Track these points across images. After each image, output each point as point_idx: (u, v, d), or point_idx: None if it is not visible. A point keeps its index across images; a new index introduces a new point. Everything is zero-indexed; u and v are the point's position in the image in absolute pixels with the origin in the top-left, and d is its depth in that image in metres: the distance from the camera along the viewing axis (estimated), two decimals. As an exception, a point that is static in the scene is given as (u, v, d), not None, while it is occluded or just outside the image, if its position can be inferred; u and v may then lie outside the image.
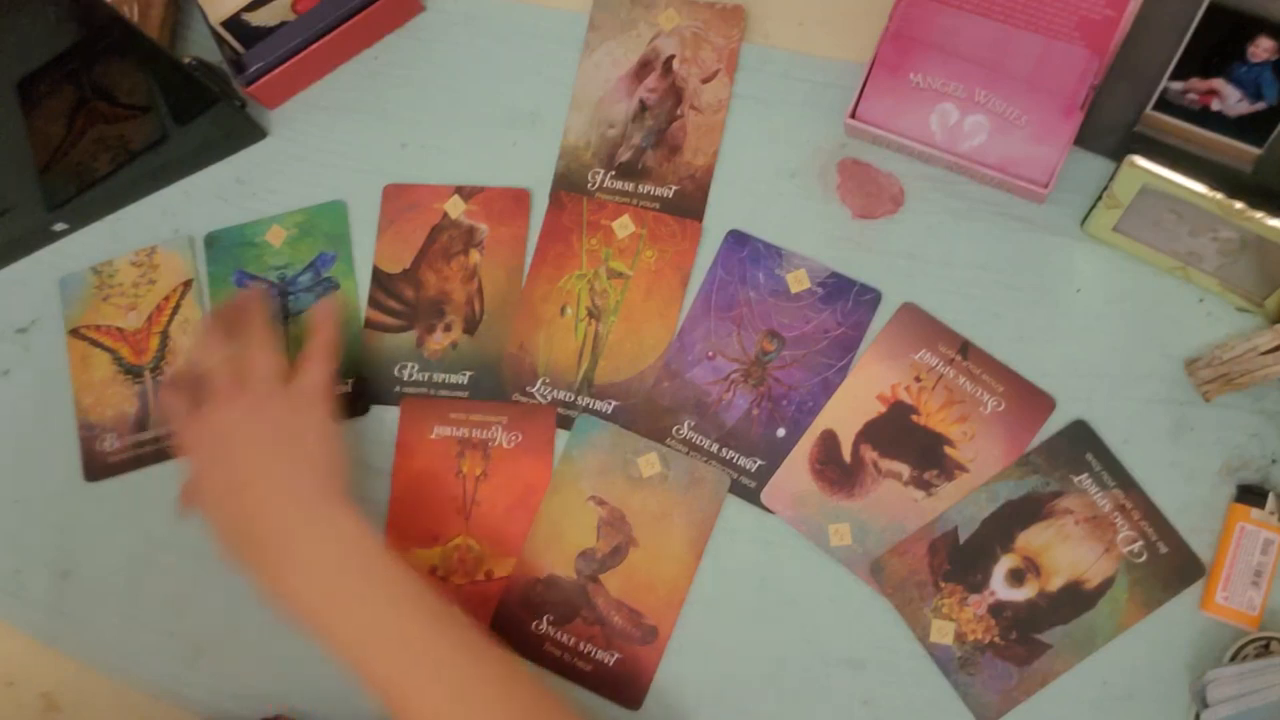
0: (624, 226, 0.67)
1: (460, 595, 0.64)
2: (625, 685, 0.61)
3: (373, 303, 0.68)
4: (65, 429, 0.70)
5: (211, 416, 0.60)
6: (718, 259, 0.66)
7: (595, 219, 0.67)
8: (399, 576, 0.56)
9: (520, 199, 0.68)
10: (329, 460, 0.60)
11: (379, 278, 0.69)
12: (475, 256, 0.68)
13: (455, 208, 0.69)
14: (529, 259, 0.68)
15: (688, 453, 0.63)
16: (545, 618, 0.63)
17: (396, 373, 0.67)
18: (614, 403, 0.65)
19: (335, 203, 0.70)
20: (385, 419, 0.67)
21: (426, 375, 0.67)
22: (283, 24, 0.69)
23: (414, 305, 0.68)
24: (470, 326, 0.67)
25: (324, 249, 0.70)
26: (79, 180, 0.70)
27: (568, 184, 0.68)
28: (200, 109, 0.69)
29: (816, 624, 0.61)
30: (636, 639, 0.62)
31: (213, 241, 0.71)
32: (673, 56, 0.69)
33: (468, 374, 0.66)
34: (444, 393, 0.67)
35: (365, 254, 0.70)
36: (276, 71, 0.69)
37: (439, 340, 0.67)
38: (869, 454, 0.62)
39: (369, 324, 0.68)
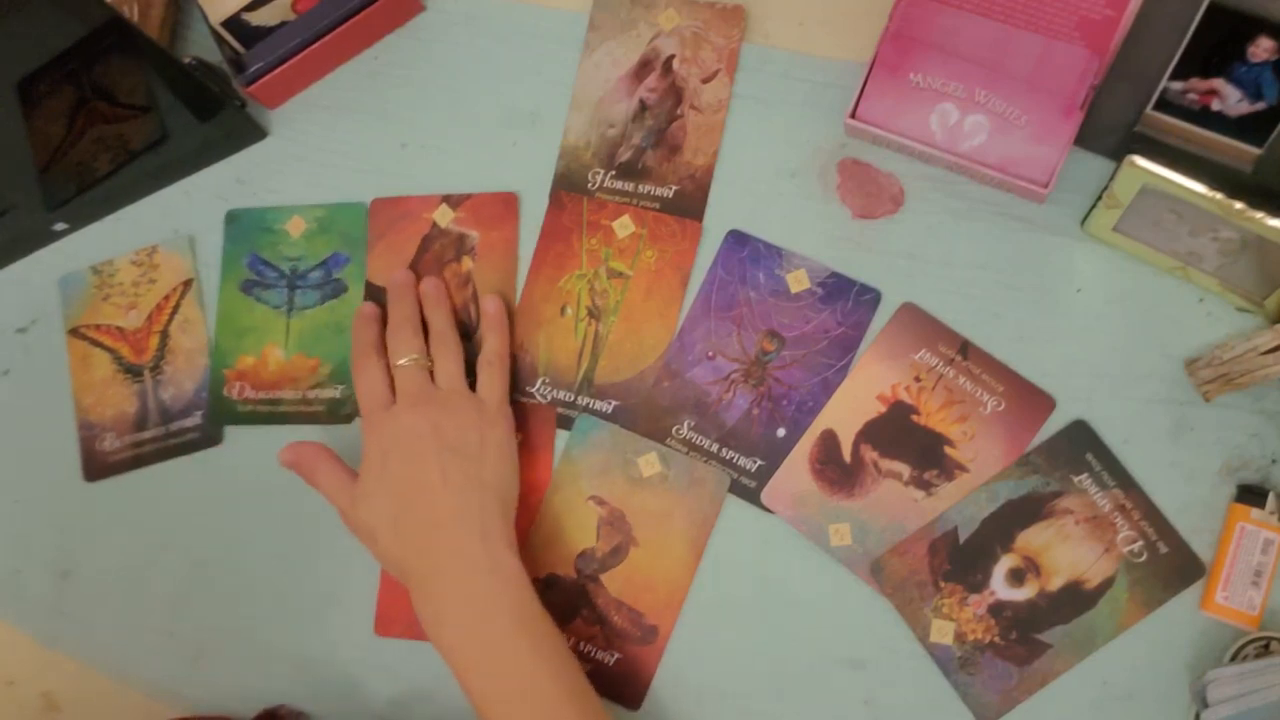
0: (624, 226, 0.67)
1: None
2: (625, 685, 0.61)
3: None
4: (65, 429, 0.70)
5: (402, 418, 0.60)
6: (718, 259, 0.66)
7: (595, 219, 0.67)
8: (545, 631, 0.56)
9: (509, 203, 0.68)
10: (502, 484, 0.60)
11: (373, 291, 0.68)
12: (468, 263, 0.68)
13: (444, 216, 0.69)
14: (522, 262, 0.68)
15: (688, 453, 0.63)
16: (545, 618, 0.63)
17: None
18: (614, 403, 0.65)
19: (356, 204, 0.70)
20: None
21: (427, 381, 0.67)
22: (283, 24, 0.69)
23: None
24: (467, 333, 0.67)
25: (339, 249, 0.70)
26: (79, 180, 0.70)
27: (568, 184, 0.68)
28: (200, 109, 0.69)
29: (816, 624, 0.61)
30: (636, 639, 0.62)
31: (233, 219, 0.71)
32: (673, 56, 0.69)
33: (468, 379, 0.66)
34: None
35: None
36: (276, 71, 0.69)
37: (437, 347, 0.67)
38: (869, 454, 0.62)
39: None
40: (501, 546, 0.58)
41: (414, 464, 0.59)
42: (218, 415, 0.68)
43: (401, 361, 0.62)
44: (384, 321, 0.65)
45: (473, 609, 0.56)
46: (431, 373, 0.63)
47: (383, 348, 0.64)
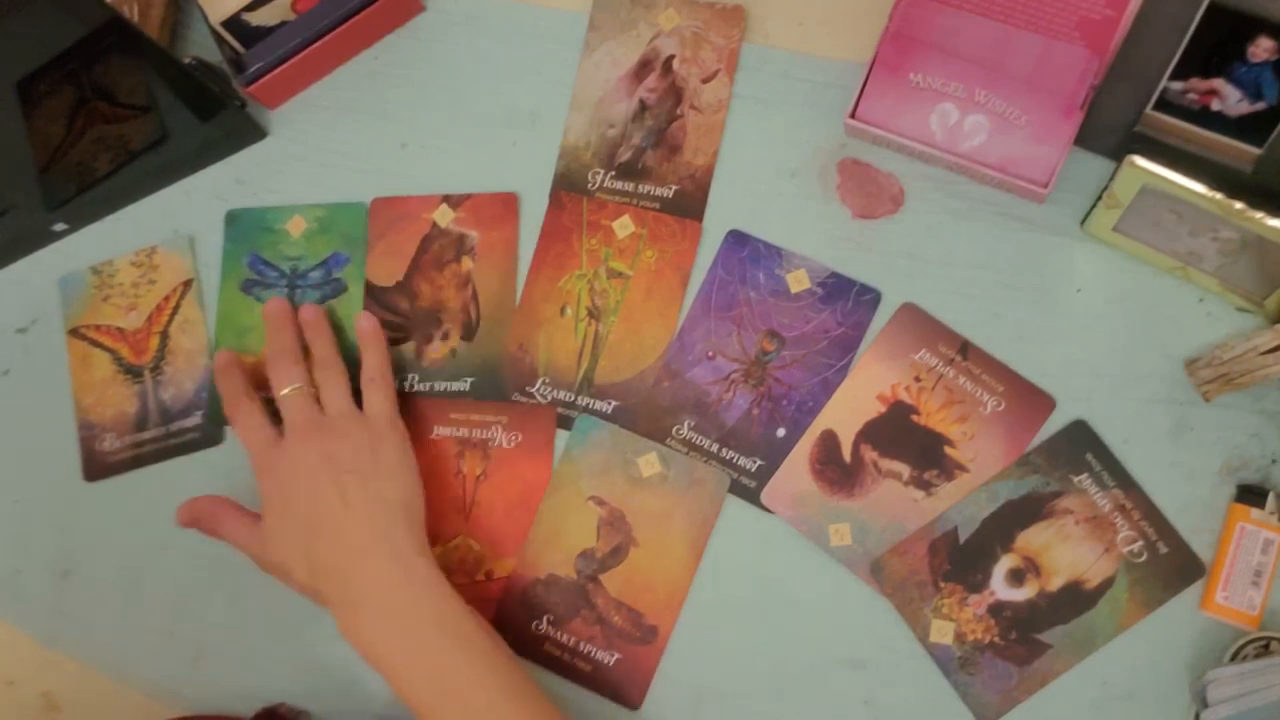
0: (624, 226, 0.67)
1: (460, 595, 0.64)
2: (625, 685, 0.61)
3: None
4: (65, 429, 0.70)
5: (294, 452, 0.61)
6: (718, 259, 0.66)
7: (595, 219, 0.67)
8: (470, 630, 0.57)
9: (509, 203, 0.68)
10: (404, 495, 0.60)
11: (373, 292, 0.69)
12: (468, 263, 0.68)
13: (444, 216, 0.69)
14: (522, 262, 0.68)
15: (688, 453, 0.63)
16: (545, 618, 0.63)
17: (397, 385, 0.67)
18: (614, 403, 0.65)
19: (356, 204, 0.70)
20: (385, 419, 0.67)
21: (428, 385, 0.67)
22: (283, 24, 0.69)
23: (410, 316, 0.68)
24: (468, 333, 0.67)
25: (339, 249, 0.70)
26: (79, 180, 0.70)
27: (568, 184, 0.68)
28: (200, 109, 0.69)
29: (816, 624, 0.61)
30: (636, 639, 0.62)
31: (233, 219, 0.71)
32: (673, 56, 0.69)
33: (469, 380, 0.66)
34: (447, 398, 0.66)
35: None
36: (276, 71, 0.69)
37: (437, 349, 0.67)
38: (869, 454, 0.62)
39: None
40: (412, 555, 0.58)
41: (313, 495, 0.59)
42: (220, 416, 0.68)
43: (285, 392, 0.63)
44: (244, 365, 0.66)
45: (395, 622, 0.57)
46: (318, 401, 0.63)
47: (253, 390, 0.64)
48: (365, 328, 0.65)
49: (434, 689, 0.55)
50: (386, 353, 0.65)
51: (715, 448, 0.63)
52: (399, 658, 0.56)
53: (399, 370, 0.67)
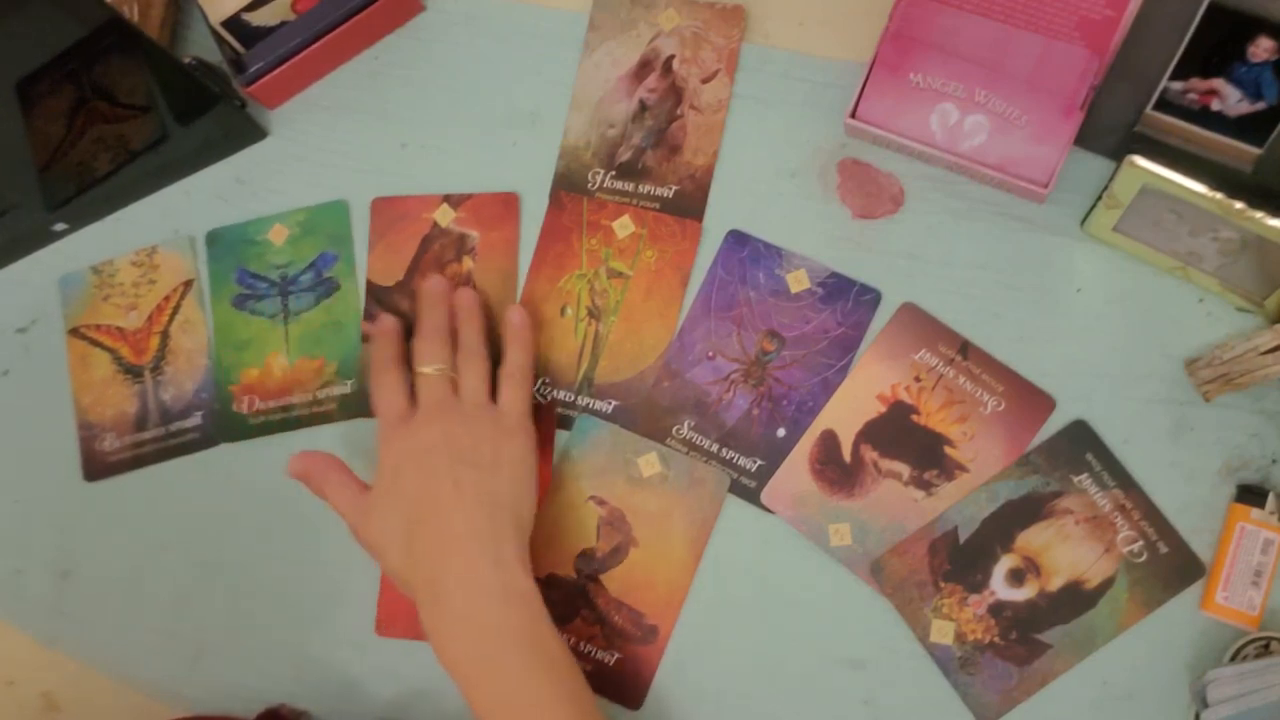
0: (624, 226, 0.67)
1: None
2: (625, 685, 0.61)
3: (369, 317, 0.68)
4: (65, 429, 0.70)
5: (419, 431, 0.59)
6: (718, 259, 0.66)
7: (595, 219, 0.67)
8: (557, 656, 0.55)
9: (509, 203, 0.68)
10: (518, 501, 0.59)
11: (374, 291, 0.69)
12: (468, 263, 0.68)
13: (445, 216, 0.69)
14: (522, 262, 0.68)
15: (688, 453, 0.63)
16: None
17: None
18: (614, 403, 0.65)
19: (337, 202, 0.70)
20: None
21: (427, 380, 0.67)
22: (283, 24, 0.69)
23: (411, 316, 0.68)
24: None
25: (326, 249, 0.70)
26: (79, 180, 0.70)
27: (568, 184, 0.68)
28: (200, 109, 0.69)
29: (816, 624, 0.61)
30: (636, 639, 0.62)
31: (215, 239, 0.71)
32: (673, 56, 0.69)
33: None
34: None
35: (366, 255, 0.70)
36: (276, 71, 0.69)
37: (438, 346, 0.67)
38: (869, 454, 0.62)
39: (366, 338, 0.68)
40: (515, 568, 0.56)
41: (427, 478, 0.58)
42: (231, 432, 0.68)
43: (427, 370, 0.61)
44: (406, 336, 0.64)
45: (483, 632, 0.55)
46: (455, 386, 0.61)
47: (404, 361, 0.63)
48: (515, 321, 0.63)
49: (507, 709, 0.53)
50: (532, 351, 0.63)
51: (715, 448, 0.63)
52: (476, 668, 0.54)
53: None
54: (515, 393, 0.61)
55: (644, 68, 0.69)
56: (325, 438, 0.67)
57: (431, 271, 0.68)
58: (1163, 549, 0.58)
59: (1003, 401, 0.61)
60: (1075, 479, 0.59)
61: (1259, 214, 0.54)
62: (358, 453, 0.67)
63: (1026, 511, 0.60)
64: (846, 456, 0.62)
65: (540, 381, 0.66)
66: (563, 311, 0.66)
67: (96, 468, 0.69)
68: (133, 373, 0.70)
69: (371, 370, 0.63)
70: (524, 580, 0.56)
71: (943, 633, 0.59)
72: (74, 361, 0.71)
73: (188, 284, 0.71)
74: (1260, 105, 0.57)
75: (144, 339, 0.70)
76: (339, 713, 0.64)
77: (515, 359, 0.62)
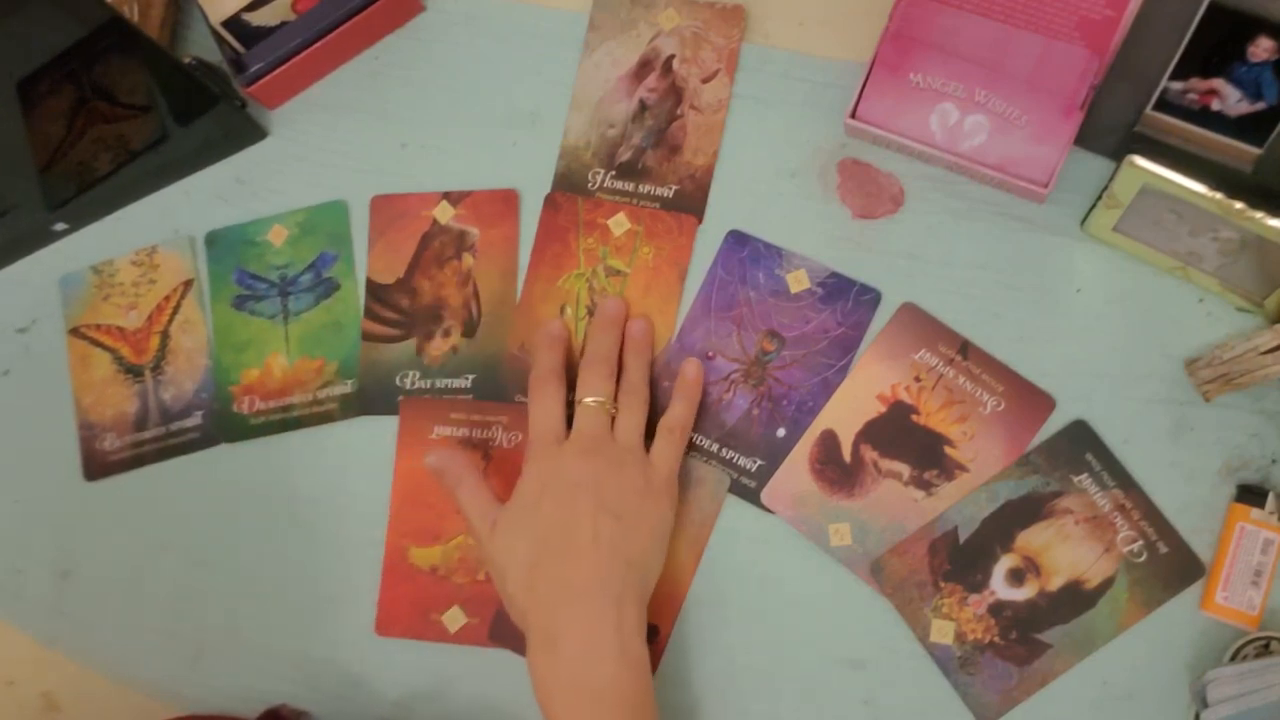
0: (620, 224, 0.67)
1: (461, 595, 0.64)
2: (625, 685, 0.61)
3: (369, 314, 0.68)
4: (65, 429, 0.70)
5: (569, 463, 0.58)
6: (718, 259, 0.66)
7: (591, 218, 0.67)
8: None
9: (509, 200, 0.68)
10: (649, 564, 0.57)
11: (374, 289, 0.69)
12: (468, 260, 0.68)
13: (444, 213, 0.69)
14: (522, 258, 0.68)
15: (688, 453, 0.63)
16: (545, 618, 0.63)
17: (398, 382, 0.67)
18: (614, 403, 0.65)
19: (336, 202, 0.70)
20: (386, 421, 0.67)
21: (429, 382, 0.67)
22: (283, 24, 0.69)
23: (411, 314, 0.68)
24: (469, 330, 0.67)
25: (325, 249, 0.70)
26: (79, 180, 0.70)
27: (568, 184, 0.68)
28: (200, 109, 0.69)
29: (816, 624, 0.61)
30: (636, 639, 0.62)
31: (214, 240, 0.71)
32: (673, 56, 0.69)
33: (470, 377, 0.66)
34: (447, 397, 0.67)
35: (365, 254, 0.70)
36: (277, 71, 0.69)
37: (438, 346, 0.67)
38: (869, 454, 0.62)
39: (366, 336, 0.68)
40: (634, 633, 0.55)
41: (567, 515, 0.56)
42: (232, 432, 0.68)
43: (589, 400, 0.60)
44: (568, 348, 0.63)
45: (592, 693, 0.53)
46: (611, 420, 0.60)
47: (564, 374, 0.62)
48: (690, 376, 0.62)
49: None
50: (695, 408, 0.62)
51: (715, 448, 0.63)
52: (574, 717, 0.53)
53: (400, 368, 0.67)
54: (671, 450, 0.60)
55: (644, 68, 0.69)
56: (326, 438, 0.67)
57: (432, 268, 0.68)
58: (1163, 549, 0.58)
59: (1003, 401, 0.61)
60: (1075, 479, 0.59)
61: (1259, 214, 0.54)
62: (358, 452, 0.67)
63: (1026, 511, 0.60)
64: (846, 456, 0.62)
65: (540, 381, 0.66)
66: (562, 311, 0.66)
67: (97, 467, 0.69)
68: (133, 372, 0.70)
69: (533, 380, 0.62)
70: (640, 646, 0.55)
71: (943, 633, 0.59)
72: (74, 361, 0.71)
73: (188, 284, 0.71)
74: (1260, 105, 0.57)
75: (144, 339, 0.70)
76: (339, 713, 0.64)
77: (680, 413, 0.61)
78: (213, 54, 0.69)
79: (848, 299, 0.64)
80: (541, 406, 0.61)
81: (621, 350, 0.63)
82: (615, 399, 0.61)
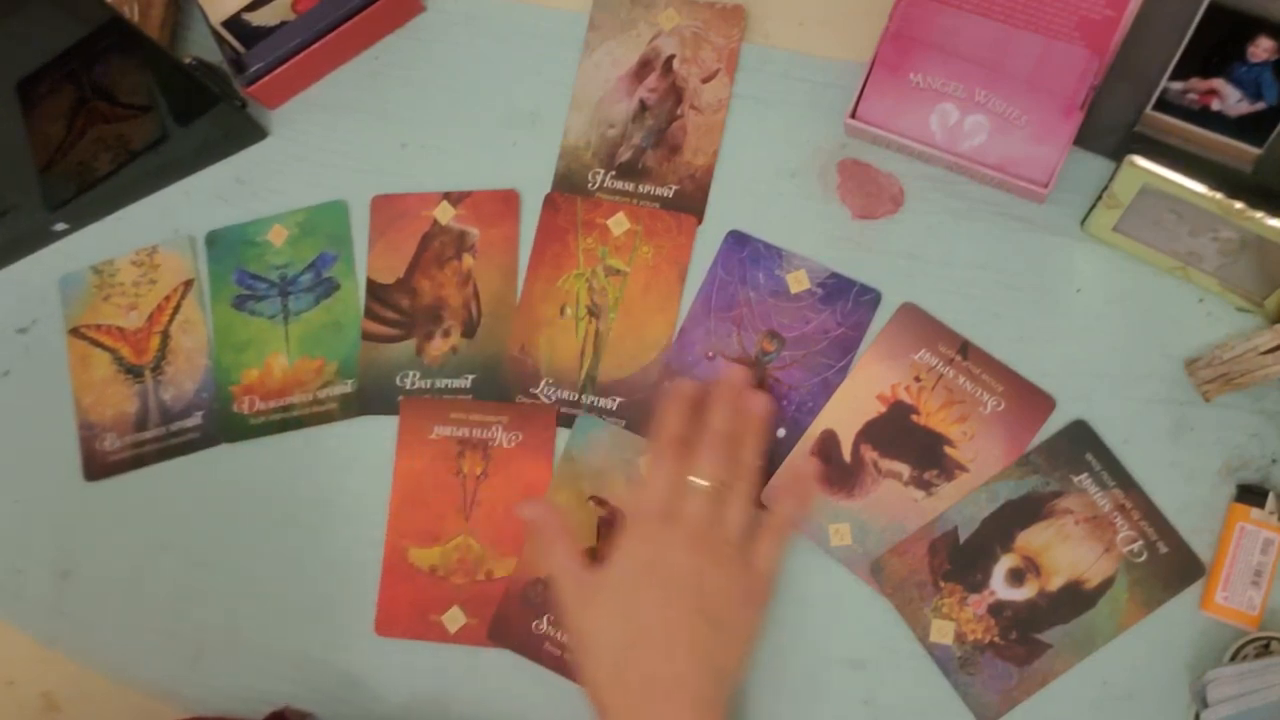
0: (619, 224, 0.67)
1: (460, 595, 0.64)
2: (625, 685, 0.61)
3: (369, 314, 0.68)
4: (65, 429, 0.70)
5: (675, 553, 0.56)
6: (718, 259, 0.66)
7: (590, 218, 0.67)
8: None
9: (509, 200, 0.68)
10: (737, 673, 0.56)
11: (374, 289, 0.69)
12: (469, 260, 0.68)
13: (444, 214, 0.69)
14: (522, 258, 0.68)
15: (688, 453, 0.63)
16: (545, 617, 0.63)
17: (398, 382, 0.67)
18: (619, 399, 0.65)
19: (336, 202, 0.70)
20: (386, 421, 0.67)
21: (429, 382, 0.67)
22: (283, 24, 0.69)
23: (411, 314, 0.68)
24: (469, 330, 0.67)
25: (325, 249, 0.70)
26: (79, 180, 0.70)
27: (568, 184, 0.68)
28: (200, 109, 0.69)
29: (816, 624, 0.61)
30: (637, 639, 0.62)
31: (214, 240, 0.71)
32: (673, 56, 0.69)
33: (470, 377, 0.67)
34: (447, 397, 0.67)
35: (365, 254, 0.70)
36: (277, 71, 0.69)
37: (438, 346, 0.67)
38: (869, 454, 0.62)
39: (366, 336, 0.68)
40: None
41: (664, 611, 0.54)
42: (231, 432, 0.68)
43: (704, 483, 0.57)
44: (691, 409, 0.60)
45: None
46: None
47: (689, 443, 0.59)
48: (807, 474, 0.60)
49: None
50: (808, 507, 0.60)
51: (715, 448, 0.63)
52: None
53: (400, 368, 0.67)
54: (776, 551, 0.58)
55: (644, 68, 0.69)
56: (326, 437, 0.67)
57: (432, 268, 0.68)
58: (1163, 549, 0.58)
59: (1003, 401, 0.61)
60: (1075, 479, 0.59)
61: (1259, 214, 0.54)
62: (358, 452, 0.67)
63: (1026, 511, 0.60)
64: (846, 456, 0.62)
65: (544, 383, 0.66)
66: (562, 311, 0.66)
67: (97, 467, 0.69)
68: (133, 373, 0.70)
69: (654, 444, 0.60)
70: None
71: (943, 633, 0.59)
72: (74, 361, 0.71)
73: (188, 284, 0.71)
74: (1260, 105, 0.57)
75: (144, 339, 0.70)
76: (339, 714, 0.64)
77: (787, 513, 0.59)
78: (213, 54, 0.69)
79: (848, 299, 0.64)
80: (657, 478, 0.58)
81: (734, 420, 0.60)
82: (725, 482, 0.58)
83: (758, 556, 0.58)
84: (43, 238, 0.73)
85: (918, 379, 0.62)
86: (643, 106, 0.68)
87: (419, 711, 0.64)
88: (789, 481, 0.61)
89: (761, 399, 0.60)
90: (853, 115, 0.63)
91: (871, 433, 0.62)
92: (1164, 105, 0.59)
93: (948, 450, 0.61)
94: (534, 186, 0.68)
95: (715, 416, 0.59)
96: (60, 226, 0.73)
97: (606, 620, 0.56)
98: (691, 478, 0.57)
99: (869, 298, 0.63)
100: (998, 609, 0.59)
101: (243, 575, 0.67)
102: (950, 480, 0.61)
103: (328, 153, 0.71)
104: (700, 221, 0.66)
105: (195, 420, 0.69)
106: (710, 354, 0.64)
